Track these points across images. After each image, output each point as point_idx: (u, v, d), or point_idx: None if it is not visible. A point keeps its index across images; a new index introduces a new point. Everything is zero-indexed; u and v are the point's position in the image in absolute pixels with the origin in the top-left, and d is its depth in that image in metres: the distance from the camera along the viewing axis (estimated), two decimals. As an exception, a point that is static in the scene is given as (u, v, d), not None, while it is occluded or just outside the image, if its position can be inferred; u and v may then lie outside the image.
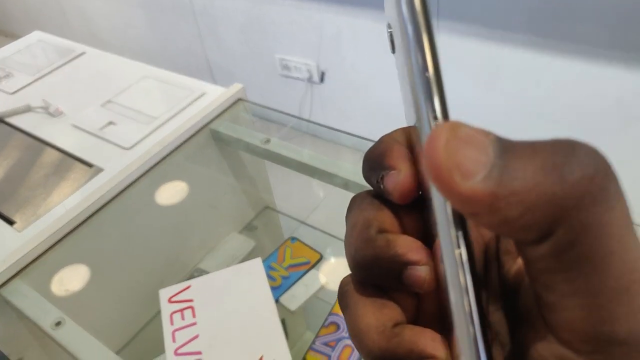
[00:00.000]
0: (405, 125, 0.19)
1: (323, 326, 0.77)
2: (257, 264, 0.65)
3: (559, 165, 0.13)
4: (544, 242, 0.13)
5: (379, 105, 1.76)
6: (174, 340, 0.57)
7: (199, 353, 0.56)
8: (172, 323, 0.59)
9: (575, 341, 0.14)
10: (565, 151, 0.13)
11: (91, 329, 0.69)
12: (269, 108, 1.02)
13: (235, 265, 0.65)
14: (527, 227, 0.13)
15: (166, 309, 0.61)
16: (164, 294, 0.63)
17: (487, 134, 0.14)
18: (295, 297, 0.84)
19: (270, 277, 0.86)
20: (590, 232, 0.13)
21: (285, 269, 0.87)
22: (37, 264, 0.76)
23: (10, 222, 0.81)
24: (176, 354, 0.56)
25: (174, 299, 0.62)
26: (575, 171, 0.13)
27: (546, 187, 0.13)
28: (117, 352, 0.70)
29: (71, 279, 0.80)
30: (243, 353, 0.56)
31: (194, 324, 0.59)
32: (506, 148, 0.13)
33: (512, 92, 1.43)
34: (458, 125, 0.14)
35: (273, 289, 0.84)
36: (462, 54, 1.45)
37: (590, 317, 0.13)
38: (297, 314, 0.82)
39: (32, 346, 0.78)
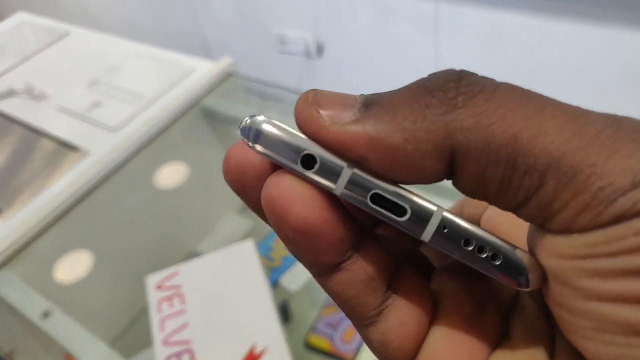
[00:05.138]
0: None
1: (325, 307, 0.74)
2: (248, 246, 0.61)
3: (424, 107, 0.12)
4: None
5: (381, 78, 1.71)
6: (162, 330, 0.54)
7: (189, 342, 0.53)
8: (160, 311, 0.56)
9: None
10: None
11: (84, 319, 0.66)
12: (264, 83, 0.97)
13: (226, 248, 0.61)
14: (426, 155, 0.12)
15: (154, 296, 0.58)
16: (152, 280, 0.59)
17: (350, 95, 0.14)
18: (296, 278, 0.81)
19: (269, 258, 0.83)
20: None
21: (285, 249, 0.84)
22: (24, 254, 0.73)
23: (-4, 211, 0.79)
24: (165, 343, 0.53)
25: (162, 285, 0.58)
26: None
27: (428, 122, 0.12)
28: (111, 343, 0.67)
29: (61, 268, 0.77)
30: (235, 340, 0.52)
31: (184, 311, 0.56)
32: (369, 99, 0.13)
33: (516, 57, 1.39)
34: (321, 90, 0.14)
35: (272, 270, 0.81)
36: (463, 20, 1.40)
37: None
38: (301, 294, 0.79)
39: (24, 338, 0.76)
